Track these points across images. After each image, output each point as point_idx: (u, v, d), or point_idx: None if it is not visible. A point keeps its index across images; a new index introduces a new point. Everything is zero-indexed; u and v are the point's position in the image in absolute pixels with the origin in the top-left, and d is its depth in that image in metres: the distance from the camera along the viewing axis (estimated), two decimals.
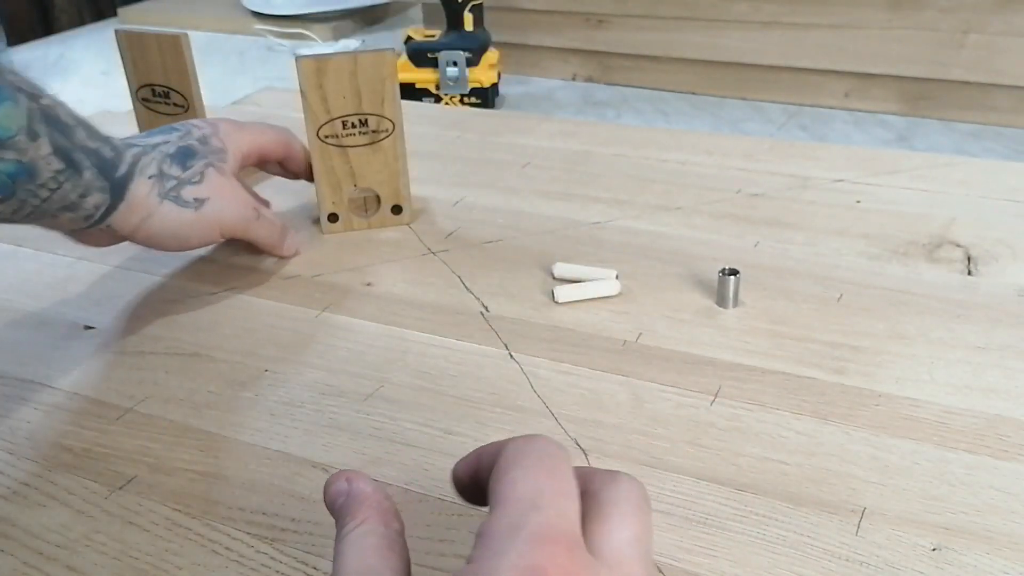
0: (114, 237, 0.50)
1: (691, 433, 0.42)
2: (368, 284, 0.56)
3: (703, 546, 0.37)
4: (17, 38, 1.32)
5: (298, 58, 0.56)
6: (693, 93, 0.98)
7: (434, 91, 0.95)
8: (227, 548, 0.38)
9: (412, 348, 0.49)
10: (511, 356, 0.48)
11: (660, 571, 0.36)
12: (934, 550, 0.36)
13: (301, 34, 1.22)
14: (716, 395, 0.44)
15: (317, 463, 0.42)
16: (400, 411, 0.45)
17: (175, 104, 0.65)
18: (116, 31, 0.64)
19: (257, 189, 0.69)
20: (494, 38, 0.98)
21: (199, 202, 0.52)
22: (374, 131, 0.59)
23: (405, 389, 0.46)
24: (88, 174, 0.46)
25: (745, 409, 0.43)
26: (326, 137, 0.58)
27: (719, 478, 0.39)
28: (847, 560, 0.36)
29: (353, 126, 0.58)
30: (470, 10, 0.93)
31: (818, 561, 0.36)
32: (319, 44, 1.21)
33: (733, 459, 0.41)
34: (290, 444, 0.43)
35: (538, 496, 0.25)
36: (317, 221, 0.62)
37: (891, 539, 0.37)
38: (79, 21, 1.52)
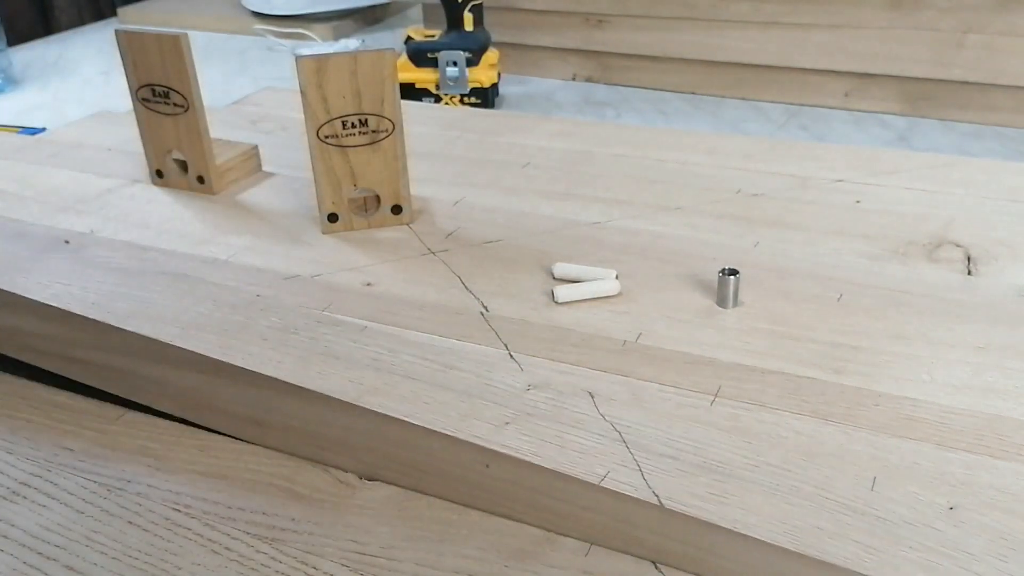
0: None
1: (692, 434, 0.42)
2: (368, 284, 0.56)
3: (714, 493, 0.37)
4: (17, 38, 1.32)
5: (298, 58, 0.56)
6: (693, 93, 0.98)
7: (434, 91, 0.95)
8: (227, 548, 0.38)
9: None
10: (511, 356, 0.48)
11: (659, 570, 0.36)
12: (951, 509, 0.36)
13: (301, 34, 1.22)
14: (716, 395, 0.44)
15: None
16: (400, 344, 0.44)
17: (175, 104, 0.65)
18: (116, 31, 0.64)
19: (255, 189, 0.69)
20: (494, 38, 0.98)
21: None
22: (374, 131, 0.59)
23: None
24: None
25: (745, 409, 0.43)
26: (326, 137, 0.58)
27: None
28: (863, 515, 0.35)
29: (353, 126, 0.58)
30: (470, 10, 0.93)
31: (832, 514, 0.36)
32: (319, 44, 1.21)
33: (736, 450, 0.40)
34: (282, 370, 0.43)
35: None
36: (317, 221, 0.62)
37: (907, 496, 0.36)
38: (79, 21, 1.52)
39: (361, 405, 0.41)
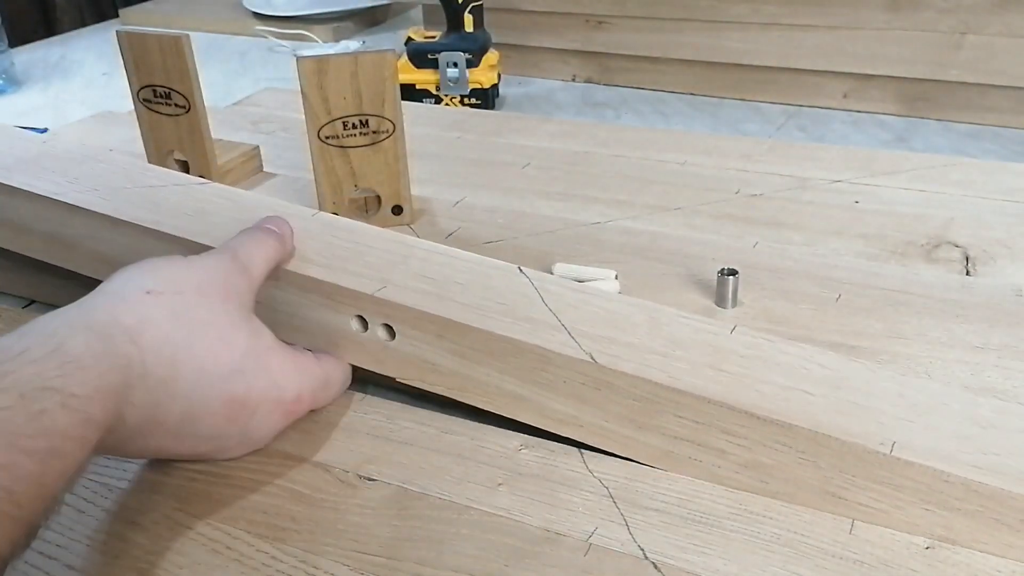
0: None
1: (711, 358, 0.41)
2: None
3: (697, 544, 0.37)
4: (19, 39, 1.32)
5: (299, 59, 0.56)
6: (692, 94, 0.98)
7: (434, 92, 0.95)
8: (227, 547, 0.38)
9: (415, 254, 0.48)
10: (520, 270, 0.47)
11: (658, 570, 0.36)
12: (927, 548, 0.36)
13: (302, 35, 1.22)
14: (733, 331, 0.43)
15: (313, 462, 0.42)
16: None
17: (176, 105, 0.65)
18: (117, 32, 0.64)
19: (256, 190, 0.69)
20: (494, 39, 0.98)
21: None
22: (375, 131, 0.59)
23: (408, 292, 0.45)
24: None
25: (765, 339, 0.43)
26: (327, 137, 0.58)
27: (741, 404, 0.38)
28: (841, 559, 0.36)
29: (354, 127, 0.58)
30: (470, 11, 0.93)
31: (812, 559, 0.36)
32: (320, 45, 1.21)
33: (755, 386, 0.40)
34: None
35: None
36: None
37: (884, 537, 0.37)
38: (80, 22, 1.52)
39: None
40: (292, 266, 0.46)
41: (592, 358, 0.40)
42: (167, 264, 0.40)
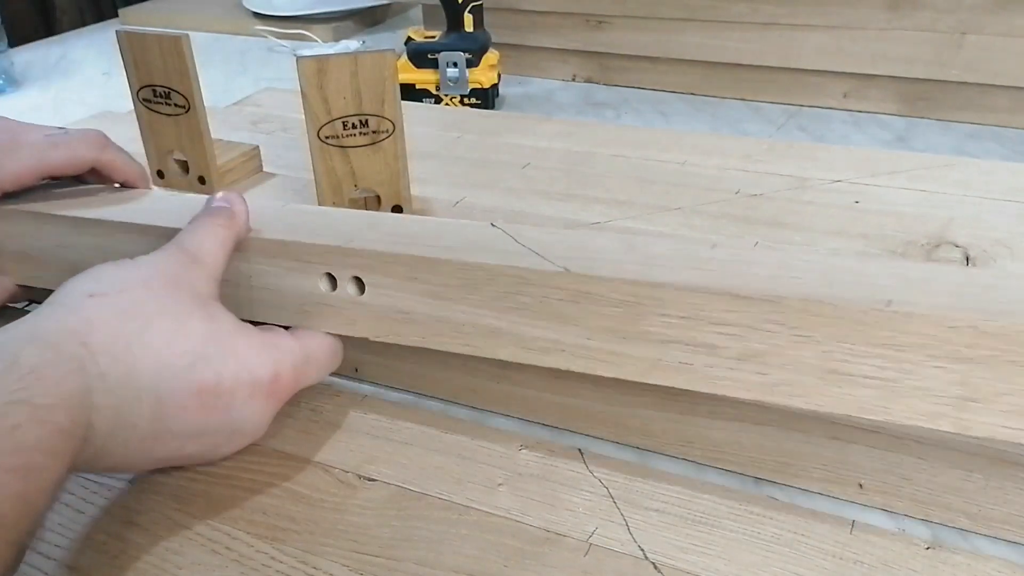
0: None
1: (691, 262, 0.39)
2: None
3: (698, 544, 0.37)
4: (19, 39, 1.32)
5: (299, 59, 0.56)
6: (692, 94, 0.98)
7: (434, 92, 0.95)
8: (227, 548, 0.38)
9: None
10: (493, 224, 0.46)
11: (658, 570, 0.36)
12: (928, 548, 0.36)
13: (302, 35, 1.22)
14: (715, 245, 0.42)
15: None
16: None
17: (176, 104, 0.65)
18: (117, 32, 0.64)
19: (256, 190, 0.69)
20: (494, 39, 0.98)
21: None
22: (374, 131, 0.59)
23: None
24: None
25: (748, 250, 0.42)
26: (327, 138, 0.58)
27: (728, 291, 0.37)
28: (841, 559, 0.36)
29: (353, 127, 0.58)
30: (470, 11, 0.93)
31: (812, 559, 0.36)
32: (320, 45, 1.21)
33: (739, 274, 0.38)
34: None
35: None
36: None
37: (884, 537, 0.37)
38: (80, 22, 1.52)
39: None
40: (257, 234, 0.45)
41: (567, 269, 0.39)
42: (110, 267, 0.39)
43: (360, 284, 0.44)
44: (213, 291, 0.41)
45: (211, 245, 0.42)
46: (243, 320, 0.42)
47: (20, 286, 0.53)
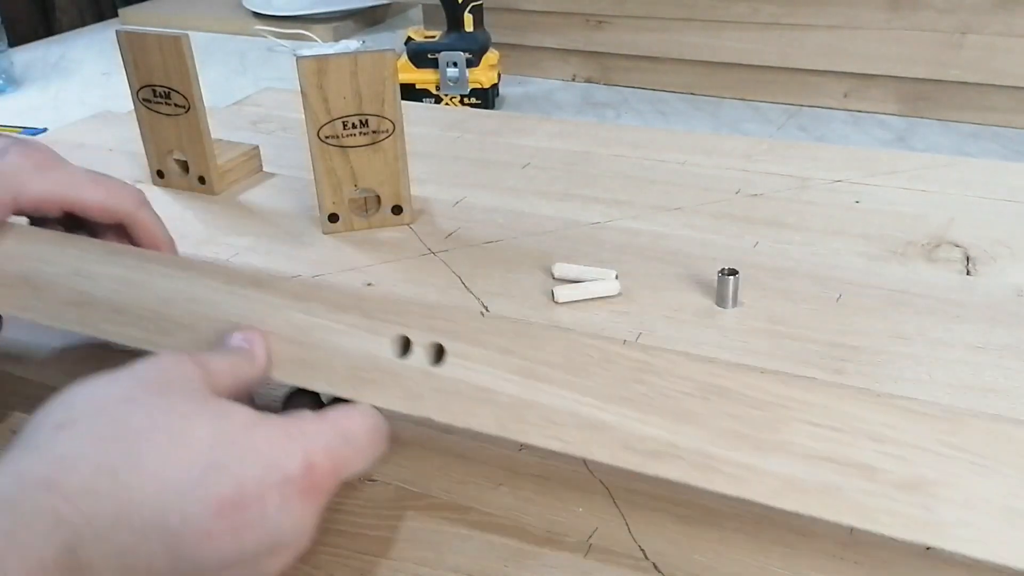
0: None
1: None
2: (368, 284, 0.56)
3: (698, 545, 0.37)
4: (18, 39, 1.32)
5: (299, 58, 0.56)
6: (692, 94, 0.98)
7: (434, 92, 0.95)
8: None
9: None
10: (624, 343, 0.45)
11: (659, 571, 0.36)
12: (928, 549, 0.36)
13: (302, 35, 1.22)
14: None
15: None
16: None
17: (176, 104, 0.65)
18: (117, 32, 0.64)
19: (256, 190, 0.69)
20: (494, 39, 0.98)
21: None
22: (374, 131, 0.59)
23: None
24: None
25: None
26: (327, 137, 0.58)
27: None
28: (841, 559, 0.36)
29: (353, 126, 0.58)
30: (470, 11, 0.93)
31: (812, 559, 0.36)
32: (319, 45, 1.21)
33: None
34: None
35: None
36: (318, 221, 0.63)
37: (884, 538, 0.37)
38: (80, 22, 1.52)
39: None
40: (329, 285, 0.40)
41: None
42: (81, 387, 0.32)
43: (439, 352, 0.37)
44: (213, 392, 0.34)
45: (221, 361, 0.36)
46: (271, 394, 0.37)
47: None
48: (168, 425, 0.31)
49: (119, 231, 0.47)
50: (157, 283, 0.42)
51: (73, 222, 0.47)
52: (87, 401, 0.31)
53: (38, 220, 0.47)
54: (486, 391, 0.36)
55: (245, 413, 0.33)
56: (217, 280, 0.42)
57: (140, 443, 0.30)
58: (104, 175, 0.47)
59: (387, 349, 0.38)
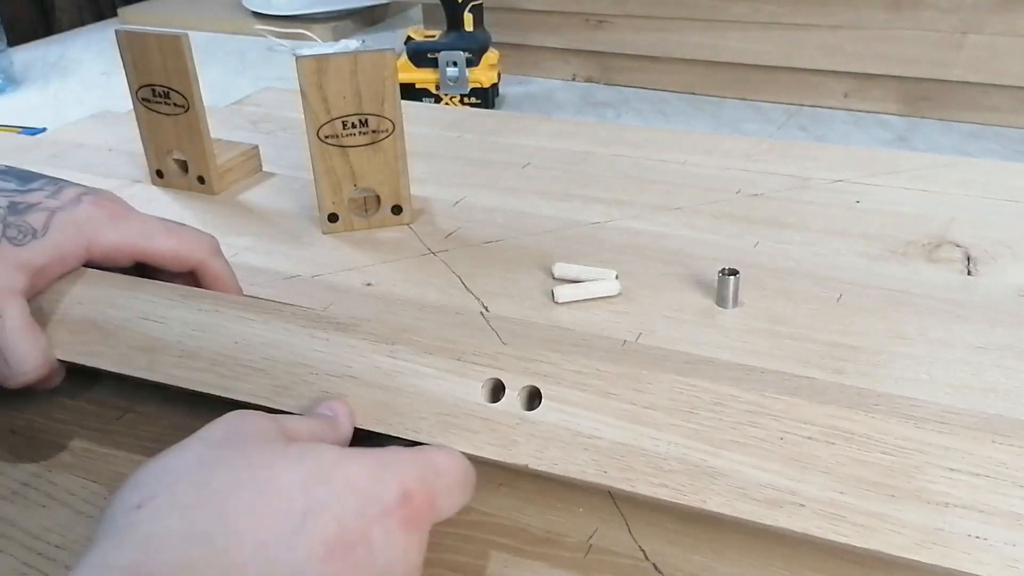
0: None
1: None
2: (368, 284, 0.56)
3: (698, 545, 0.37)
4: (18, 38, 1.32)
5: (298, 58, 0.56)
6: (693, 93, 0.98)
7: (434, 91, 0.95)
8: None
9: None
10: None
11: (659, 571, 0.36)
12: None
13: (301, 34, 1.22)
14: None
15: None
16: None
17: (175, 104, 0.65)
18: (116, 31, 0.64)
19: (255, 190, 0.69)
20: (494, 38, 0.98)
21: None
22: (374, 131, 0.59)
23: None
24: None
25: None
26: (326, 137, 0.58)
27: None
28: (841, 559, 0.36)
29: (353, 126, 0.58)
30: (470, 10, 0.93)
31: (812, 559, 0.36)
32: (319, 44, 1.21)
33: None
34: None
35: None
36: (317, 221, 0.63)
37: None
38: (79, 21, 1.52)
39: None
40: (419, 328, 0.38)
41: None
42: (151, 464, 0.31)
43: (535, 396, 0.36)
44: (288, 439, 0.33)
45: (298, 423, 0.34)
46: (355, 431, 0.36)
47: (62, 361, 0.43)
48: (253, 478, 0.29)
49: (188, 278, 0.46)
50: (232, 327, 0.40)
51: (142, 271, 0.46)
52: (161, 475, 0.30)
53: (108, 270, 0.46)
54: (586, 437, 0.34)
55: (331, 450, 0.31)
56: (296, 323, 0.40)
57: (228, 503, 0.28)
58: (177, 223, 0.47)
59: (478, 394, 0.36)
